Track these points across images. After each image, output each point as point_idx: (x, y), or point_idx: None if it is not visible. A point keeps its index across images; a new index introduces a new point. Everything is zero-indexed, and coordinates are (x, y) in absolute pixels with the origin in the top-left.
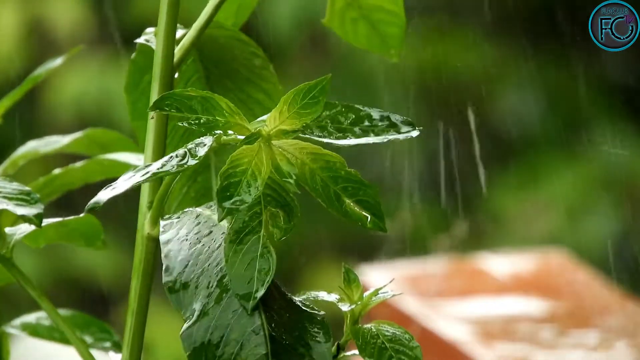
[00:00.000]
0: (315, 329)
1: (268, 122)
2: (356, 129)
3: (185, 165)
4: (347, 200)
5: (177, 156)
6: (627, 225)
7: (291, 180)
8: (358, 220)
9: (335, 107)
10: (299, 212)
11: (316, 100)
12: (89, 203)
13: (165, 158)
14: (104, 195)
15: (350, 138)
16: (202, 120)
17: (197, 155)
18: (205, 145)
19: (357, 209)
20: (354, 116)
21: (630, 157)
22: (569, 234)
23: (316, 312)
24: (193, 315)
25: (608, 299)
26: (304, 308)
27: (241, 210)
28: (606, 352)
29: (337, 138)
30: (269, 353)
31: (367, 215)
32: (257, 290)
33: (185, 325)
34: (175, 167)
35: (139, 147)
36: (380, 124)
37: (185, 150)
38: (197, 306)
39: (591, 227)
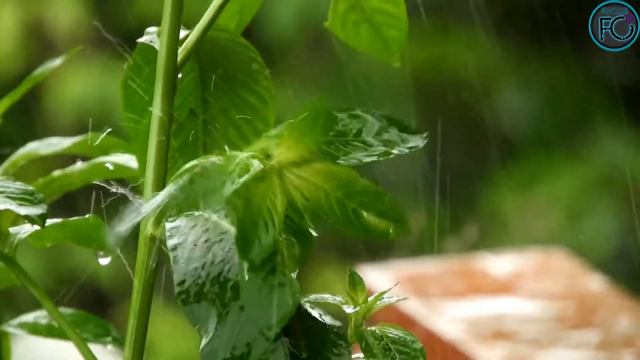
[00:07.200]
0: (334, 342)
1: (277, 154)
2: (364, 141)
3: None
4: (366, 215)
5: (180, 181)
6: (627, 225)
7: (306, 217)
8: (380, 233)
9: (340, 119)
10: (313, 238)
11: (315, 125)
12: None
13: (171, 187)
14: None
15: (359, 152)
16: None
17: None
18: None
19: (377, 221)
20: (359, 126)
21: (630, 157)
22: (569, 234)
23: (334, 324)
24: (209, 331)
25: (608, 299)
26: (321, 320)
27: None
28: (606, 352)
29: (345, 154)
30: None
31: (390, 225)
32: (278, 323)
33: (204, 342)
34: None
35: (133, 145)
36: (387, 134)
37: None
38: (213, 321)
39: (591, 227)
